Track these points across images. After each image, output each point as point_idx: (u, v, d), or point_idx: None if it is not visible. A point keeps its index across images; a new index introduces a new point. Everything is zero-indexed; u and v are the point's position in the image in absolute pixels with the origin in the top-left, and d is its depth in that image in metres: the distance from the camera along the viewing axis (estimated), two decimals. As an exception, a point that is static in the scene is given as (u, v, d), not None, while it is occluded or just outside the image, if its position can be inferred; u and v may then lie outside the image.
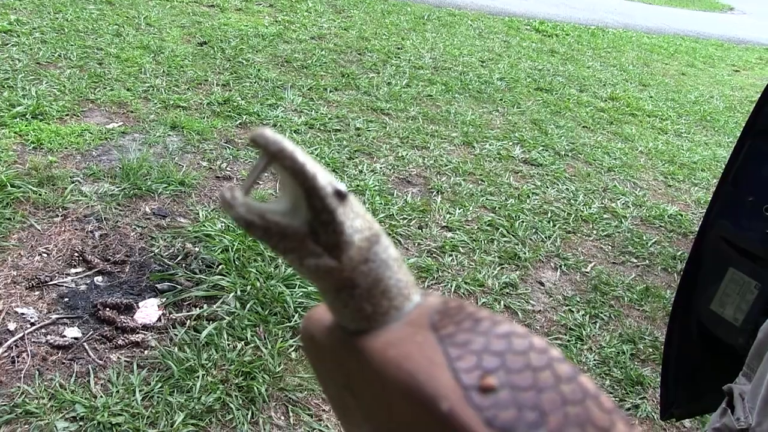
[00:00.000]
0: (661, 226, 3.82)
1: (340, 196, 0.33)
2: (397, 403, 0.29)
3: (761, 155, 1.39)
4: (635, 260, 3.38)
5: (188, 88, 4.30)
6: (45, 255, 2.49)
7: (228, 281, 2.52)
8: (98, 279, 2.44)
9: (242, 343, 2.27)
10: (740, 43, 11.45)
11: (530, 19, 9.47)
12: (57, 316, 2.24)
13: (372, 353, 0.31)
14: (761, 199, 1.37)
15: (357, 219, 0.34)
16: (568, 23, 9.82)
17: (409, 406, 0.28)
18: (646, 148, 5.07)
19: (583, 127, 5.28)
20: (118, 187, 2.97)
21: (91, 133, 3.42)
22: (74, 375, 2.03)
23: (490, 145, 4.43)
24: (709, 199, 1.58)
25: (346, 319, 0.35)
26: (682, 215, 3.97)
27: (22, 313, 2.22)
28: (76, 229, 2.67)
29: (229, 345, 2.25)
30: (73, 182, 2.95)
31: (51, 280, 2.38)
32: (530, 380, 0.26)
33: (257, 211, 0.32)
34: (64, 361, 2.08)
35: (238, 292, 2.47)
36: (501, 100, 5.49)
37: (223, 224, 2.85)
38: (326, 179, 0.33)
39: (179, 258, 2.61)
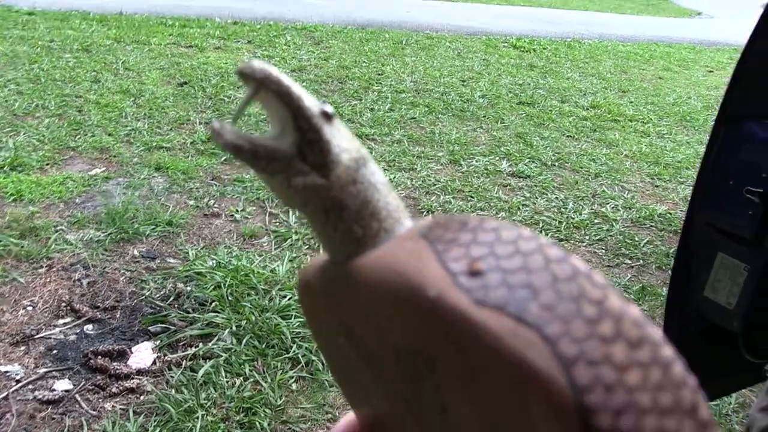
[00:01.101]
0: (651, 226, 3.81)
1: (327, 116, 0.33)
2: (389, 315, 0.29)
3: (736, 139, 1.40)
4: (629, 261, 3.37)
5: (171, 129, 4.30)
6: (30, 308, 2.46)
7: (222, 318, 2.49)
8: (88, 327, 2.41)
9: (241, 378, 2.24)
10: (711, 45, 11.56)
11: (507, 36, 9.54)
12: (45, 369, 2.19)
13: (360, 267, 0.31)
14: (741, 181, 1.37)
15: (344, 140, 0.34)
16: (544, 38, 9.90)
17: (401, 312, 0.28)
18: (630, 151, 5.08)
19: (568, 136, 5.29)
20: (104, 233, 2.95)
21: (73, 181, 3.41)
22: (66, 430, 1.99)
23: (476, 161, 4.43)
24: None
25: (337, 246, 0.34)
26: (671, 214, 3.96)
27: (6, 372, 2.17)
28: (63, 279, 2.64)
29: (227, 382, 2.22)
30: (56, 231, 2.93)
31: (37, 334, 2.34)
32: (520, 263, 0.26)
33: (245, 136, 0.32)
34: (54, 416, 2.03)
35: (234, 328, 2.45)
36: (484, 116, 5.51)
37: (213, 261, 2.83)
38: (313, 101, 0.33)
39: (171, 299, 2.59)
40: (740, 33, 1.48)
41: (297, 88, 0.33)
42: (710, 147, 1.47)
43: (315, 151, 0.33)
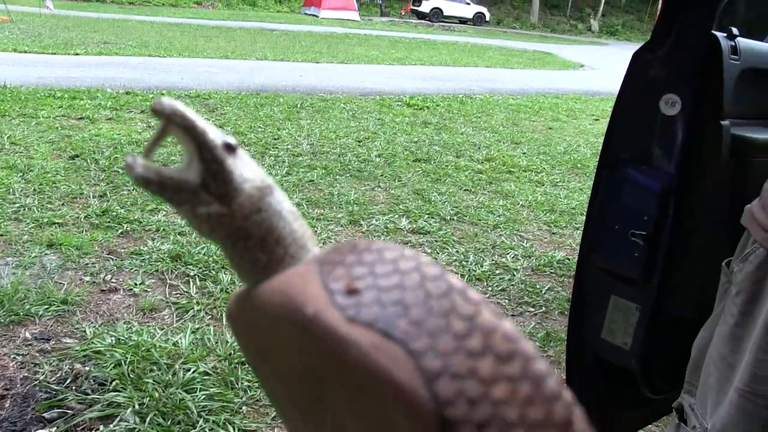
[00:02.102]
0: (551, 272, 3.93)
1: (230, 148, 0.35)
2: (285, 337, 0.29)
3: (618, 184, 1.48)
4: (532, 309, 3.45)
5: (63, 204, 4.16)
6: None
7: (124, 396, 2.38)
8: (-25, 420, 2.25)
9: (145, 459, 2.14)
10: (595, 95, 12.24)
11: (400, 95, 9.79)
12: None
13: (259, 292, 0.31)
14: (626, 224, 1.44)
15: (247, 170, 0.35)
16: (437, 95, 10.21)
17: (291, 332, 0.28)
18: (526, 201, 5.25)
19: (465, 190, 5.43)
20: (-8, 317, 2.79)
21: (-44, 265, 3.23)
22: None
23: (376, 220, 4.47)
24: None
25: (246, 273, 0.35)
26: (569, 259, 4.10)
27: None
28: (-52, 368, 2.47)
29: (131, 464, 2.11)
30: (-60, 318, 2.75)
31: None
32: (396, 281, 0.26)
33: (155, 169, 0.34)
34: None
35: (136, 406, 2.34)
36: (382, 175, 5.59)
37: (113, 338, 2.72)
38: (216, 134, 0.35)
39: (68, 381, 2.46)
40: (620, 83, 1.58)
41: (201, 122, 0.34)
42: (594, 192, 1.54)
43: (218, 181, 0.34)
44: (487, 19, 37.35)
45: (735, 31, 1.50)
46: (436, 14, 35.18)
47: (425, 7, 35.29)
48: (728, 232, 1.22)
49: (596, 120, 9.52)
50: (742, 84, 1.45)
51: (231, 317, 0.36)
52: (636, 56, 1.52)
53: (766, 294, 1.04)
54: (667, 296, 1.44)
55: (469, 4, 36.74)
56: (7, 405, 2.33)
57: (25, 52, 10.74)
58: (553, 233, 4.62)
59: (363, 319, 0.25)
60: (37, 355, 2.60)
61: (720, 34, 1.49)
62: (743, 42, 1.51)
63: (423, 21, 34.42)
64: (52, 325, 2.82)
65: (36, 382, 2.43)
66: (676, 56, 1.44)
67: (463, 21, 36.07)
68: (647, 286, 1.44)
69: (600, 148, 1.61)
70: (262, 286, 0.31)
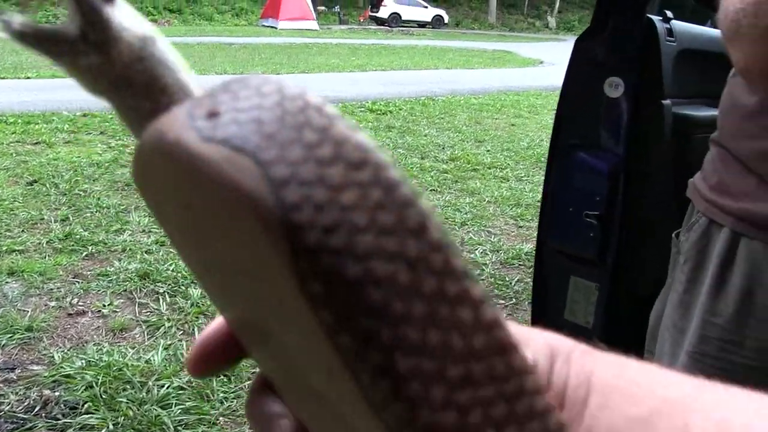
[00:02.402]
0: (520, 265, 3.96)
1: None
2: (161, 176, 0.29)
3: (569, 169, 1.51)
4: (503, 301, 3.47)
5: (22, 231, 4.09)
6: None
7: (97, 418, 2.36)
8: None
9: (121, 480, 2.12)
10: (556, 90, 12.22)
11: (363, 101, 9.80)
12: None
13: (142, 137, 0.30)
14: (579, 206, 1.47)
15: (126, 19, 0.35)
16: (399, 99, 10.24)
17: (164, 167, 0.28)
18: (492, 197, 5.29)
19: (431, 190, 5.45)
20: (-46, 349, 2.74)
21: None
22: None
23: (345, 224, 4.46)
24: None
25: (135, 125, 0.35)
26: (537, 251, 4.14)
27: None
28: None
29: (107, 486, 2.08)
30: None
31: None
32: (255, 102, 0.27)
33: (31, 24, 0.34)
34: None
35: (111, 427, 2.32)
36: (348, 180, 5.58)
37: (83, 361, 2.69)
38: None
39: (37, 408, 2.42)
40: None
41: None
42: (547, 179, 1.57)
43: (96, 31, 0.34)
44: (446, 21, 37.53)
45: (669, 14, 1.54)
46: (395, 19, 35.27)
47: (383, 13, 35.35)
48: (675, 206, 1.25)
49: (557, 114, 9.64)
50: (680, 65, 1.49)
51: (135, 180, 0.37)
52: (578, 43, 1.55)
53: (708, 260, 1.07)
54: (624, 273, 1.47)
55: (426, 7, 36.90)
56: (-28, 437, 2.29)
57: (-28, 78, 10.55)
58: (520, 227, 4.66)
59: (217, 137, 0.25)
60: (2, 385, 2.55)
61: (656, 18, 1.53)
62: (678, 25, 1.55)
63: (382, 27, 34.48)
64: (17, 354, 2.77)
65: (1, 414, 2.39)
66: (615, 41, 1.47)
67: (422, 25, 36.21)
68: (604, 265, 1.47)
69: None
70: (144, 132, 0.31)
